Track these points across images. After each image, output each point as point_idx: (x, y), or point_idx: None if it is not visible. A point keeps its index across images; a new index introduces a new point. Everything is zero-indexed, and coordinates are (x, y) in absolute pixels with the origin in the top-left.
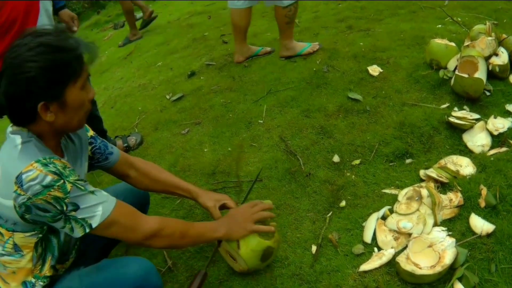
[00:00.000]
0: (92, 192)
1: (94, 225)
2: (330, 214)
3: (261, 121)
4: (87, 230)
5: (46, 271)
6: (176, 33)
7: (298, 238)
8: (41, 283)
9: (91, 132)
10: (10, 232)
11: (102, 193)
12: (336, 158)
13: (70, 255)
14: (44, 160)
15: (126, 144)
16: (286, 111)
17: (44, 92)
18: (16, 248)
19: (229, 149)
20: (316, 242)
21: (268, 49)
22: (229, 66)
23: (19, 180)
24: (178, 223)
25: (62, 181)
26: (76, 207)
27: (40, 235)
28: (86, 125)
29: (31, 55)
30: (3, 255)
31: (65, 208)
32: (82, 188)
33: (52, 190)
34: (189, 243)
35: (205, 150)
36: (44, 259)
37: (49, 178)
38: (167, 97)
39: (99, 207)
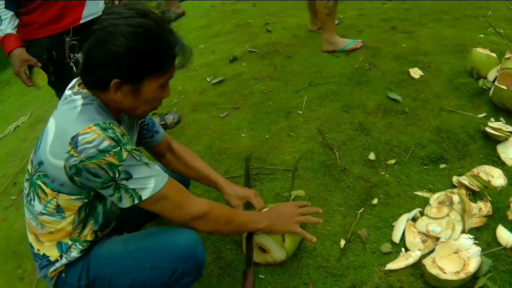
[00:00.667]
0: (146, 164)
1: (144, 197)
2: (361, 210)
3: (300, 112)
4: (136, 202)
5: (87, 235)
6: (219, 17)
7: (328, 231)
8: (80, 247)
9: None
10: (55, 192)
11: (156, 166)
12: (372, 156)
13: (111, 224)
14: (103, 124)
15: (163, 122)
16: (325, 104)
17: (123, 72)
18: (59, 209)
19: (267, 136)
20: (345, 237)
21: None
22: (271, 55)
23: (74, 141)
24: (224, 208)
25: (119, 148)
26: (129, 176)
27: (86, 200)
28: None
29: (128, 32)
30: (43, 214)
31: (117, 175)
32: (138, 158)
33: (107, 155)
34: (232, 231)
35: (243, 135)
36: (85, 223)
37: (106, 143)
38: (208, 79)
39: (151, 179)
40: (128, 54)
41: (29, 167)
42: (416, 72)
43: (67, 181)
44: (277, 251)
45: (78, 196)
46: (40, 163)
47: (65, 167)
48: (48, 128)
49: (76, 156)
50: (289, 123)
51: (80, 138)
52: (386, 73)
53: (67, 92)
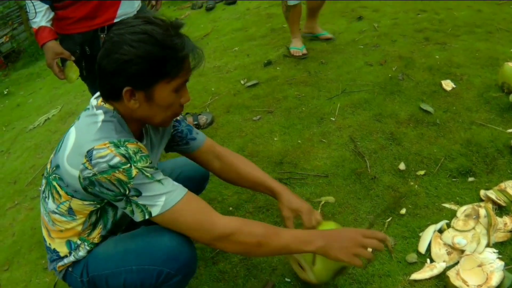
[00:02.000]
0: (159, 181)
1: (153, 214)
2: (389, 219)
3: (333, 119)
4: (147, 217)
5: (95, 238)
6: (255, 21)
7: None
8: (87, 248)
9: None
10: (69, 196)
11: (171, 184)
12: (402, 166)
13: (122, 228)
14: (118, 142)
15: (196, 122)
16: (358, 112)
17: (132, 79)
18: (70, 212)
19: (299, 141)
20: None
21: (330, 35)
22: (305, 61)
23: (89, 155)
24: (259, 228)
25: (128, 165)
26: (139, 193)
27: (98, 206)
28: None
29: (132, 40)
30: (55, 212)
31: (127, 191)
32: (149, 175)
33: (117, 171)
34: (268, 253)
35: (275, 139)
36: (95, 226)
37: (117, 159)
38: (242, 82)
39: (162, 197)
40: (134, 60)
41: (48, 166)
42: (448, 84)
43: (81, 190)
44: (309, 272)
45: (91, 202)
46: (57, 167)
47: (79, 177)
48: (69, 135)
49: (90, 169)
50: (321, 129)
51: (94, 152)
52: (419, 83)
53: (93, 101)
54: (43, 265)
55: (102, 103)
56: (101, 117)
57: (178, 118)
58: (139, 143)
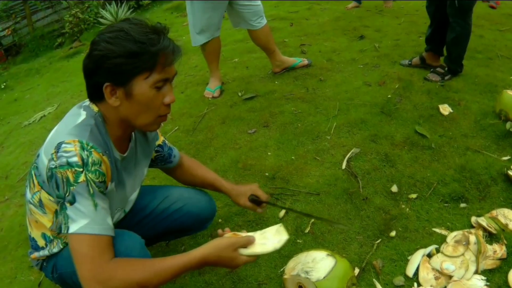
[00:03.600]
0: (95, 204)
1: (70, 230)
2: (378, 241)
3: (328, 137)
4: (65, 232)
5: (61, 243)
6: None
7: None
8: (61, 246)
9: (160, 140)
10: (40, 186)
11: (102, 216)
12: (394, 188)
13: None
14: (85, 144)
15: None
16: (354, 132)
17: (110, 74)
18: (40, 204)
19: (293, 157)
20: (359, 266)
21: (305, 62)
22: (304, 77)
23: (58, 147)
24: (136, 272)
25: (81, 169)
26: (73, 201)
27: None
28: (158, 131)
29: (109, 37)
30: (30, 202)
31: (67, 194)
32: (91, 191)
33: (69, 169)
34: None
35: (269, 153)
36: (60, 230)
37: (75, 158)
38: (239, 94)
39: (86, 219)
40: (109, 55)
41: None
42: (445, 109)
43: (46, 181)
44: None
45: (55, 199)
46: (38, 156)
47: (47, 167)
48: (53, 128)
49: (54, 161)
50: (315, 146)
51: (63, 145)
52: (416, 107)
53: (86, 101)
54: (29, 262)
55: (90, 103)
56: (83, 117)
57: (161, 143)
58: (105, 157)
